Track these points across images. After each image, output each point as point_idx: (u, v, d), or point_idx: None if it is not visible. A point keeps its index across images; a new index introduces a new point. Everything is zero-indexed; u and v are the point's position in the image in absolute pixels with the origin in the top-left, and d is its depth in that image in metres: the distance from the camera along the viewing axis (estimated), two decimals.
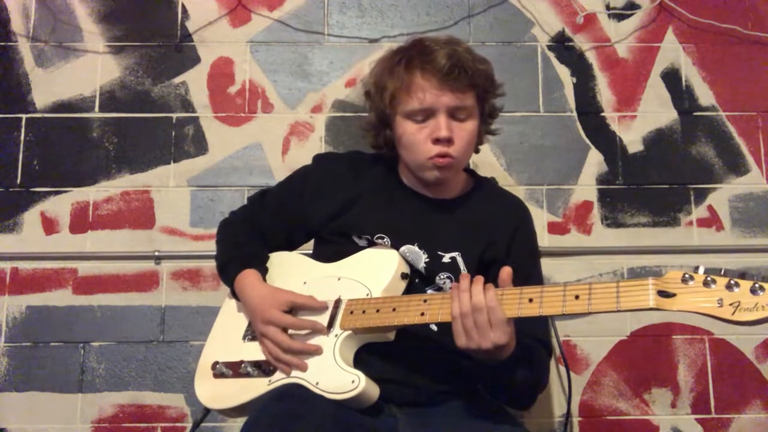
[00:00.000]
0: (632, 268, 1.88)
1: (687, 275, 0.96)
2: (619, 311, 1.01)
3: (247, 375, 1.28)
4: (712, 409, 1.82)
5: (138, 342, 1.84)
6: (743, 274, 0.93)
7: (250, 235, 1.46)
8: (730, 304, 0.92)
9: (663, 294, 0.97)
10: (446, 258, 1.35)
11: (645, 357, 1.84)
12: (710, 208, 1.91)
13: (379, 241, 1.36)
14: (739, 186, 1.93)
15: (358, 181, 1.43)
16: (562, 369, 1.80)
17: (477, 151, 1.45)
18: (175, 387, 1.82)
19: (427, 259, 1.34)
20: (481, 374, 1.21)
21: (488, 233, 1.37)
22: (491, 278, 1.15)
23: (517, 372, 1.16)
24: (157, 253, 1.86)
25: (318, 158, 1.52)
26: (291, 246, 1.49)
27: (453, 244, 1.36)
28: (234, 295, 1.40)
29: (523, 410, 1.33)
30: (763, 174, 1.94)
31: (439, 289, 1.33)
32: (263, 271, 1.39)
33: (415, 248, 1.35)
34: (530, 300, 1.07)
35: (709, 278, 0.94)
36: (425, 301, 1.18)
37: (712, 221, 1.91)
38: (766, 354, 1.85)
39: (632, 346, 1.85)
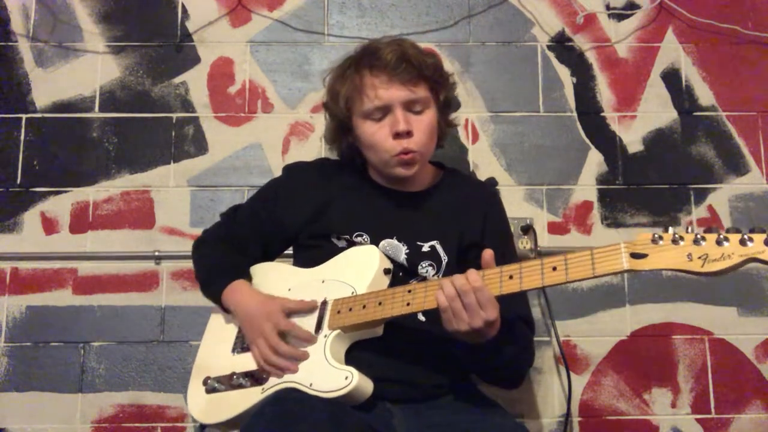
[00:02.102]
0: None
1: (656, 236, 1.01)
2: (595, 277, 1.05)
3: (240, 386, 1.29)
4: (712, 409, 1.82)
5: (138, 342, 1.84)
6: (708, 229, 0.98)
7: (228, 250, 1.48)
8: (699, 257, 0.96)
9: (635, 256, 1.01)
10: (426, 247, 1.38)
11: (645, 357, 1.84)
12: (710, 208, 1.91)
13: (358, 239, 1.38)
14: (739, 186, 1.93)
15: (329, 184, 1.46)
16: (562, 369, 1.81)
17: (441, 146, 1.48)
18: (175, 387, 1.81)
19: (407, 251, 1.37)
20: (472, 357, 1.23)
21: (462, 219, 1.41)
22: (470, 261, 1.17)
23: (506, 348, 1.20)
24: (157, 253, 1.86)
25: (287, 168, 1.56)
26: (268, 257, 1.51)
27: (430, 233, 1.39)
28: (222, 308, 1.42)
29: (514, 388, 1.36)
30: (763, 174, 1.93)
31: (423, 279, 1.34)
32: (250, 281, 1.41)
33: (395, 241, 1.37)
34: (510, 277, 1.11)
35: (677, 236, 0.99)
36: (409, 291, 1.20)
37: (712, 221, 1.91)
38: (766, 354, 1.85)
39: (632, 346, 1.85)
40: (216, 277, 1.42)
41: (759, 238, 0.94)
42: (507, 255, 1.39)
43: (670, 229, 1.00)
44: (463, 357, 1.25)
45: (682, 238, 0.99)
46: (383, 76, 1.33)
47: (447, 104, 1.45)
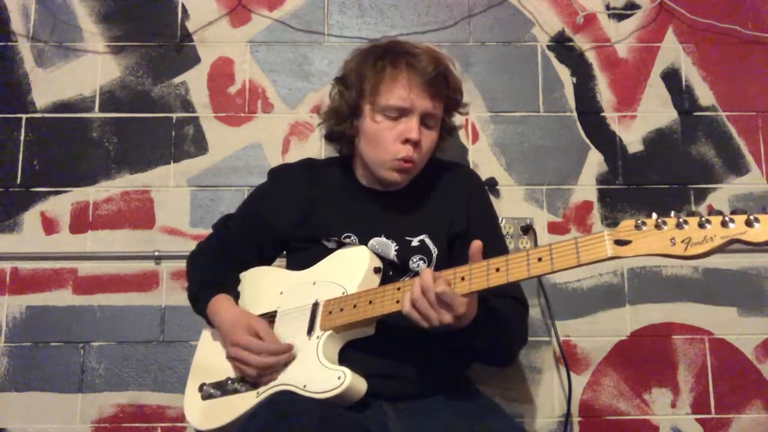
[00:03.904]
0: (632, 268, 1.88)
1: (640, 222, 1.01)
2: (580, 265, 1.05)
3: (235, 391, 1.29)
4: (712, 409, 1.82)
5: (138, 342, 1.84)
6: (692, 213, 0.98)
7: (218, 262, 1.48)
8: (682, 241, 0.97)
9: (619, 243, 1.01)
10: (415, 242, 1.39)
11: (645, 357, 1.84)
12: (710, 208, 1.91)
13: (347, 240, 1.39)
14: (739, 186, 1.93)
15: (314, 185, 1.47)
16: (562, 369, 1.80)
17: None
18: (175, 387, 1.81)
19: (396, 247, 1.38)
20: (454, 341, 1.24)
21: (447, 208, 1.42)
22: (459, 251, 1.17)
23: (486, 331, 1.21)
24: (157, 253, 1.86)
25: (272, 171, 1.56)
26: (264, 262, 1.51)
27: (418, 228, 1.40)
28: (209, 323, 1.42)
29: (504, 366, 1.38)
30: (763, 174, 1.93)
31: (416, 274, 1.34)
32: (235, 294, 1.41)
33: (383, 239, 1.38)
34: (497, 270, 1.11)
35: (660, 221, 0.99)
36: (399, 288, 1.20)
37: None
38: (766, 354, 1.85)
39: (632, 346, 1.85)
40: (201, 293, 1.43)
41: (740, 219, 0.94)
42: (494, 237, 1.41)
43: (654, 215, 1.00)
44: (449, 341, 1.26)
45: (665, 222, 0.99)
46: (419, 82, 1.33)
47: (449, 131, 1.49)
